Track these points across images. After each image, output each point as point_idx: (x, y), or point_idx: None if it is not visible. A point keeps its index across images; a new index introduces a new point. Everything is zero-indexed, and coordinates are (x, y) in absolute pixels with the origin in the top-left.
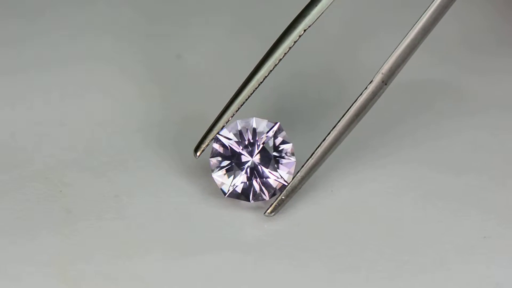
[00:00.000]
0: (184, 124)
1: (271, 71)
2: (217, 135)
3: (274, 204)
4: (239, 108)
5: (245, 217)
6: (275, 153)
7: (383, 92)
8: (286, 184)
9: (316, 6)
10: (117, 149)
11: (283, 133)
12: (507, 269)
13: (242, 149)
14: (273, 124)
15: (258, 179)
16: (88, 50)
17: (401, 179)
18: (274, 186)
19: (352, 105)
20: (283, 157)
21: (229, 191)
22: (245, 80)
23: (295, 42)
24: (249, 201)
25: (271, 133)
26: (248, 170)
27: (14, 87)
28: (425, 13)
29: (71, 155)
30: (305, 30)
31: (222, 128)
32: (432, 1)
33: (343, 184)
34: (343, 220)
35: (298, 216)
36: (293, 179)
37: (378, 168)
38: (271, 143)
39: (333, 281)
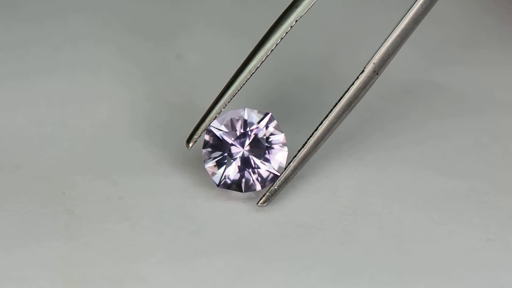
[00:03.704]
0: (188, 125)
1: (263, 61)
2: (209, 127)
3: (267, 194)
4: (231, 99)
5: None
6: (266, 144)
7: (374, 81)
8: (278, 174)
9: None
10: (121, 151)
11: (275, 123)
12: (511, 272)
13: (233, 140)
14: (264, 115)
15: (250, 170)
16: (90, 52)
17: (404, 181)
18: (266, 176)
19: (343, 94)
20: (274, 148)
21: (221, 182)
22: (237, 71)
23: (286, 32)
24: (241, 191)
25: (262, 124)
26: (240, 160)
27: (17, 90)
28: (416, 2)
29: (74, 157)
30: (296, 21)
31: (214, 119)
32: None
33: (346, 186)
34: (346, 222)
35: (301, 219)
36: (285, 169)
37: (380, 170)
38: (262, 134)
39: (336, 283)
